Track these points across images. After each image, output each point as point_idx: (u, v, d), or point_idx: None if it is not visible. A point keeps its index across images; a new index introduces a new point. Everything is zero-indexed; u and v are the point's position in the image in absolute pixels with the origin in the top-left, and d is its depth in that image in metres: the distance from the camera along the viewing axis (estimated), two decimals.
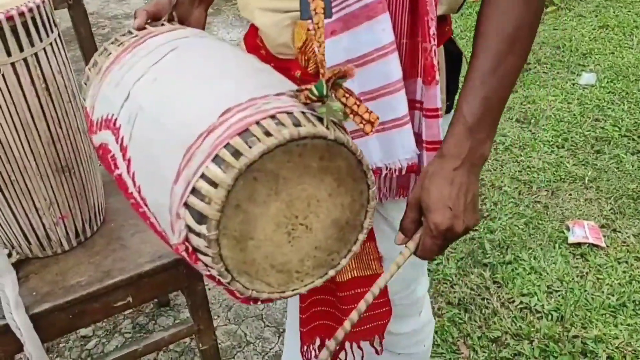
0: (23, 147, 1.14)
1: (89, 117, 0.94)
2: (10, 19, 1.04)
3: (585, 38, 3.45)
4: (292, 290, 0.79)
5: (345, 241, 0.80)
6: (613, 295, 1.85)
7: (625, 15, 3.66)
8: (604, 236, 2.08)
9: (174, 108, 0.76)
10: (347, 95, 0.71)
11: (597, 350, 1.67)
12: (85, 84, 0.98)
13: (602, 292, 1.86)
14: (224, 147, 0.67)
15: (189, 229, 0.69)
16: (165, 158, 0.74)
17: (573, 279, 1.92)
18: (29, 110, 1.12)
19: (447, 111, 0.94)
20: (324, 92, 0.69)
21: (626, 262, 1.97)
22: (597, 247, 2.03)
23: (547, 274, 1.93)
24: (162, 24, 0.99)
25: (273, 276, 0.76)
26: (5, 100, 1.08)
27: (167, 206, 0.73)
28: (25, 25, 1.06)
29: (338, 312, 1.05)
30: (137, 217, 1.41)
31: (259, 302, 0.77)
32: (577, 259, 2.00)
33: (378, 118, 0.73)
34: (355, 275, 1.00)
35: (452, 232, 0.80)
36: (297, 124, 0.68)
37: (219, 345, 1.65)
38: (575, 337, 1.73)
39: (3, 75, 1.06)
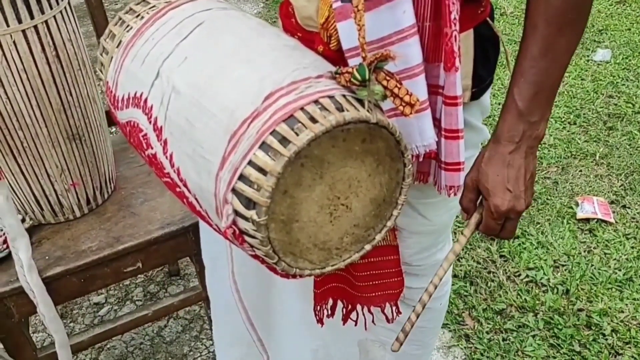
0: (35, 115, 1.17)
1: (111, 92, 0.94)
2: None
3: (601, 14, 3.40)
4: (332, 266, 0.82)
5: (381, 217, 0.83)
6: (620, 270, 1.85)
7: None
8: (613, 212, 2.08)
9: (213, 91, 0.76)
10: (387, 78, 0.71)
11: (601, 324, 1.69)
12: (102, 55, 0.97)
13: (609, 266, 1.87)
14: (271, 133, 0.67)
15: (237, 214, 0.71)
16: (207, 142, 0.74)
17: (580, 253, 1.92)
18: (40, 77, 1.14)
19: (474, 98, 0.91)
20: (367, 76, 0.69)
21: (634, 238, 1.97)
22: (606, 222, 2.03)
23: (554, 248, 1.94)
24: None
25: (315, 254, 0.78)
26: (17, 68, 1.10)
27: (212, 190, 0.74)
28: None
29: (350, 276, 1.08)
30: (147, 186, 1.44)
31: (298, 278, 0.79)
32: (585, 234, 2.00)
33: (418, 100, 0.72)
34: None
35: (514, 211, 0.83)
36: (340, 109, 0.69)
37: None
38: (580, 310, 1.74)
39: (14, 42, 1.08)
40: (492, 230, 0.87)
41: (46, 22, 1.11)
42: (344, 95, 0.71)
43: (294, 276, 0.78)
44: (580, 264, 1.88)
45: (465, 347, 1.67)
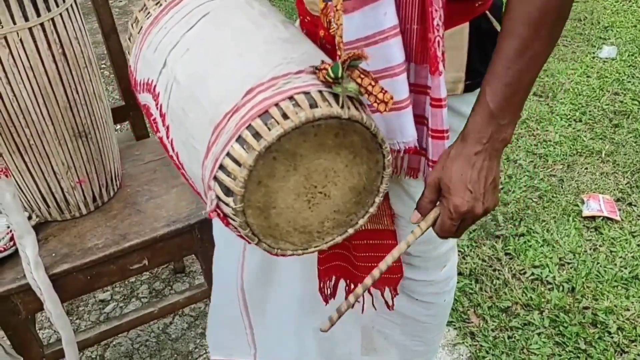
0: (41, 112, 1.17)
1: (132, 75, 1.00)
2: None
3: (607, 11, 3.38)
4: (314, 247, 0.86)
5: (363, 204, 0.86)
6: (626, 268, 1.84)
7: None
8: (619, 210, 2.07)
9: (205, 84, 0.81)
10: (362, 76, 0.74)
11: (607, 321, 1.68)
12: (129, 40, 1.02)
13: (615, 264, 1.86)
14: (246, 128, 0.72)
15: (219, 199, 0.76)
16: (197, 132, 0.80)
17: (586, 251, 1.92)
18: (47, 75, 1.14)
19: (469, 90, 0.92)
20: (339, 74, 0.72)
21: None
22: (612, 220, 2.02)
23: (560, 246, 1.93)
24: None
25: (296, 237, 0.83)
26: (23, 65, 1.11)
27: (200, 176, 0.80)
28: None
29: (352, 256, 1.11)
30: (152, 184, 1.45)
31: (286, 256, 0.85)
32: (590, 232, 2.00)
33: (392, 98, 0.75)
34: (369, 227, 1.05)
35: (472, 214, 0.81)
36: (313, 105, 0.73)
37: None
38: (586, 308, 1.73)
39: (21, 40, 1.08)
40: (447, 232, 0.85)
41: (52, 19, 1.11)
42: (320, 91, 0.74)
43: (278, 255, 0.84)
44: (586, 261, 1.87)
45: (470, 345, 1.66)
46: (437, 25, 0.78)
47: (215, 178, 0.75)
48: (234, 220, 0.77)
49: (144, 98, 0.96)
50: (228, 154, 0.73)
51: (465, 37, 0.87)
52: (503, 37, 0.77)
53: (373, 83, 0.74)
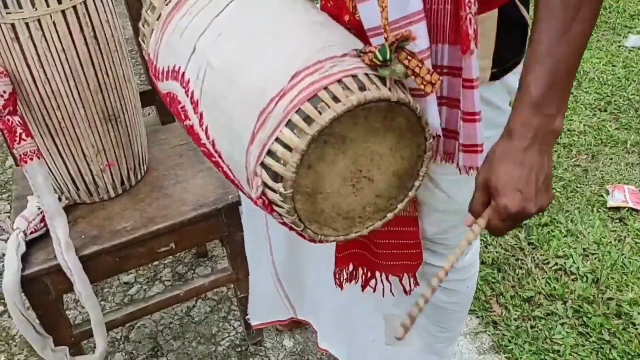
0: (72, 95, 1.18)
1: (152, 64, 0.98)
2: None
3: None
4: (355, 233, 0.86)
5: (403, 188, 0.86)
6: None
7: None
8: None
9: (245, 68, 0.80)
10: (409, 57, 0.73)
11: (631, 313, 1.67)
12: (144, 26, 1.00)
13: None
14: (296, 112, 0.71)
15: (265, 185, 0.75)
16: (239, 118, 0.78)
17: (610, 242, 1.90)
18: (78, 58, 1.15)
19: (495, 78, 0.90)
20: (388, 57, 0.72)
21: None
22: (637, 211, 2.00)
23: (584, 236, 1.92)
24: None
25: (339, 222, 0.83)
26: (56, 48, 1.11)
27: (243, 163, 0.78)
28: None
29: (372, 244, 1.11)
30: (179, 168, 1.45)
31: (325, 243, 0.84)
32: (615, 222, 1.98)
33: (439, 79, 0.73)
34: None
35: (524, 214, 0.75)
36: (362, 88, 0.72)
37: None
38: (610, 299, 1.72)
39: (54, 22, 1.09)
40: (499, 232, 0.79)
41: (85, 2, 1.12)
42: (366, 74, 0.74)
43: (320, 241, 0.83)
44: (610, 252, 1.85)
45: (492, 334, 1.66)
46: (469, 2, 0.76)
47: (262, 164, 0.74)
48: (281, 207, 0.75)
49: (169, 86, 0.93)
50: (277, 139, 0.72)
51: (493, 25, 0.86)
52: (541, 21, 0.74)
53: (420, 64, 0.73)
